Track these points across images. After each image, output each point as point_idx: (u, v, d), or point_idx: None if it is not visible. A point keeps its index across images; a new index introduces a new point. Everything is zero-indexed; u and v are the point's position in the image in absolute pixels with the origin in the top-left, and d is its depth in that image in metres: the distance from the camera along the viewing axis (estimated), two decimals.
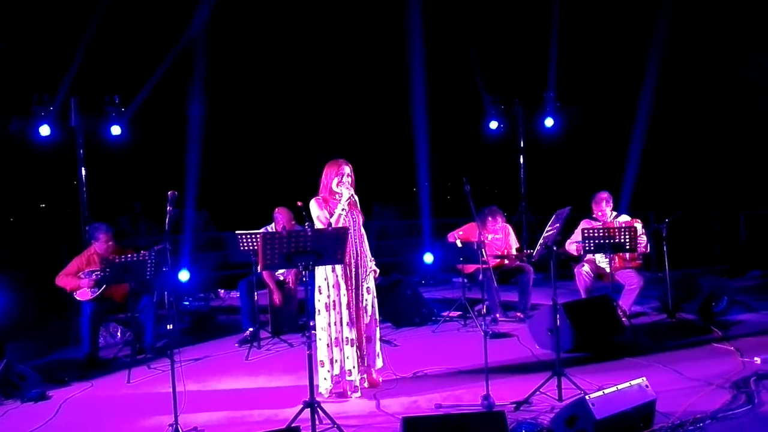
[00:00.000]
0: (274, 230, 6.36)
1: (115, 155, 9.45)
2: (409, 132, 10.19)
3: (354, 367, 4.46)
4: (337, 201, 4.47)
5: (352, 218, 4.52)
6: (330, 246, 3.93)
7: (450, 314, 6.82)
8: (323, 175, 4.56)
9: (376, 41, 11.67)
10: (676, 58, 10.35)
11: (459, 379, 4.79)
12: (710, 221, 10.14)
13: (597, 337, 5.30)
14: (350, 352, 4.45)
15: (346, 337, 4.46)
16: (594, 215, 6.43)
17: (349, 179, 4.51)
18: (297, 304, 6.53)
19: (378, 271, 4.70)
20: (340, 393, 4.51)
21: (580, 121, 9.82)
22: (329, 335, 4.47)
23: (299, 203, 4.49)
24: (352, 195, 4.48)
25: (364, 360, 4.57)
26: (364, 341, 4.55)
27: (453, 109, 12.05)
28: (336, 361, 4.48)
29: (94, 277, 5.70)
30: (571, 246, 6.40)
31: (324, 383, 4.50)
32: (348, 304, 4.46)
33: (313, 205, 4.50)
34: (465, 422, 3.27)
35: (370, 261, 4.62)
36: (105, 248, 5.85)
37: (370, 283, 4.61)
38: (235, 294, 7.90)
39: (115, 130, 8.06)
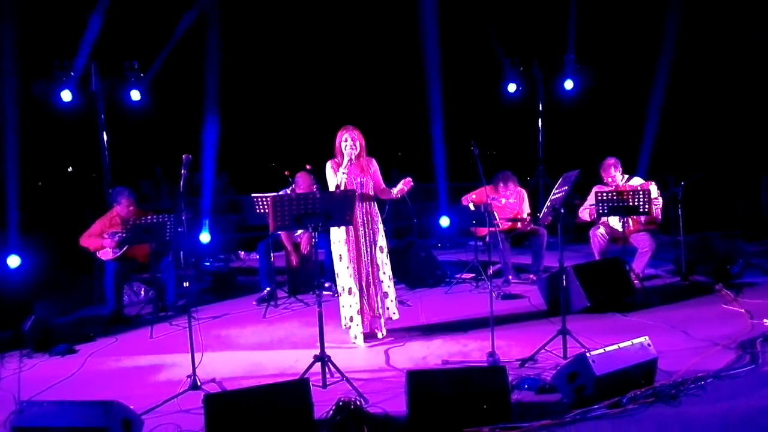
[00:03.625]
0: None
1: (136, 120, 9.58)
2: (425, 95, 10.09)
3: (357, 315, 4.77)
4: None
5: (360, 182, 4.77)
6: (338, 208, 4.05)
7: (463, 276, 6.92)
8: (336, 140, 4.82)
9: (390, 3, 11.50)
10: (697, 18, 10.02)
11: (468, 337, 4.91)
12: (731, 184, 9.94)
13: (607, 299, 5.36)
14: (353, 301, 4.77)
15: (350, 288, 4.77)
16: (605, 182, 6.39)
17: (349, 142, 4.71)
18: (313, 265, 6.67)
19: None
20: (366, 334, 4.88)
21: (599, 83, 9.63)
22: (341, 286, 4.82)
23: (308, 166, 4.63)
24: (352, 159, 4.69)
25: (374, 310, 4.87)
26: (372, 292, 4.84)
27: (471, 72, 11.89)
28: (343, 306, 4.84)
29: (116, 238, 5.90)
30: (584, 212, 6.40)
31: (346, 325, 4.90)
32: (354, 259, 4.75)
33: (328, 167, 4.81)
34: (467, 376, 3.38)
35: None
36: (126, 212, 6.02)
37: (381, 242, 4.88)
38: (255, 255, 8.06)
39: (135, 95, 8.18)
